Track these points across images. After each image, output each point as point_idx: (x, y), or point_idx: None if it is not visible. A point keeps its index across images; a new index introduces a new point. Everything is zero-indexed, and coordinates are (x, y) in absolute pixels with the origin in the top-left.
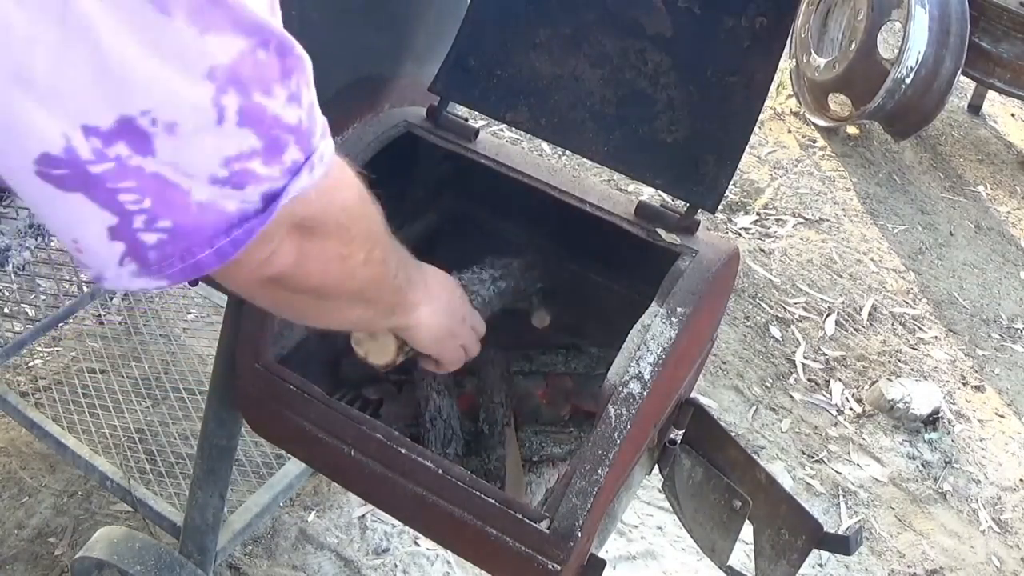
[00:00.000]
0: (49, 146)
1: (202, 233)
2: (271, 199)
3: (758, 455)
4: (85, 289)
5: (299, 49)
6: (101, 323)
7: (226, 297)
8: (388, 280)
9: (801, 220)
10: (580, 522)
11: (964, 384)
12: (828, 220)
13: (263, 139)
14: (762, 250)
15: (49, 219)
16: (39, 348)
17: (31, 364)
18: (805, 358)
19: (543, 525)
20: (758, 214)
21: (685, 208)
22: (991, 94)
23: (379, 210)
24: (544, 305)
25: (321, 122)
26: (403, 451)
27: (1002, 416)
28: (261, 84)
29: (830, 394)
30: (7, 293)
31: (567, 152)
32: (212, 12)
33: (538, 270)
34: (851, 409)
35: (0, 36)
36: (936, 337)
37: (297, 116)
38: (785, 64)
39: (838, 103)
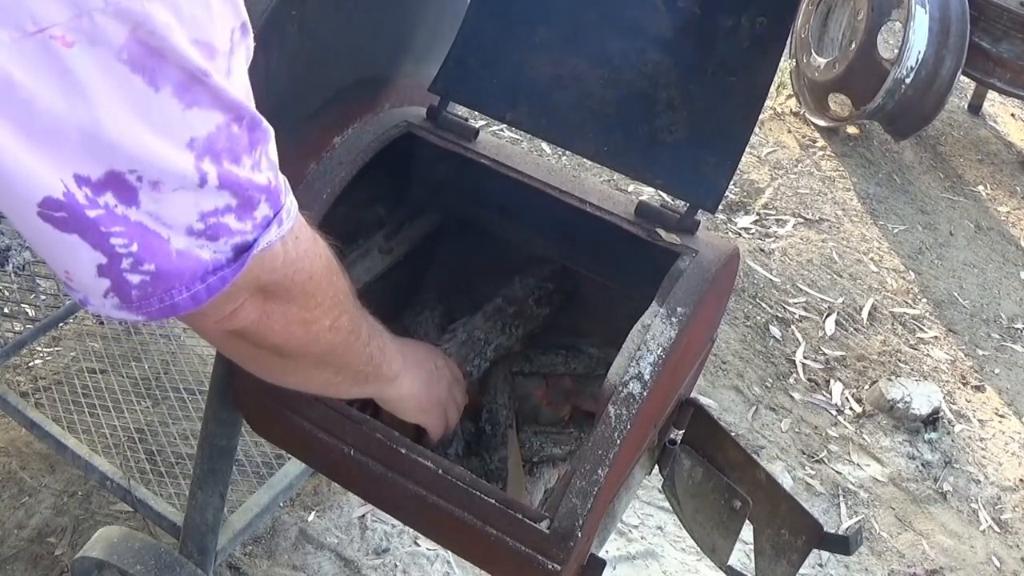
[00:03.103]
0: (51, 191)
1: (181, 278)
2: (242, 250)
3: (758, 455)
4: None
5: (265, 124)
6: (101, 323)
7: None
8: (358, 348)
9: (801, 220)
10: (580, 522)
11: (964, 384)
12: (828, 220)
13: (238, 198)
14: (762, 250)
15: (44, 253)
16: (39, 348)
17: (31, 364)
18: (805, 358)
19: (543, 525)
20: (758, 214)
21: (685, 208)
22: (991, 94)
23: (348, 280)
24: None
25: (284, 180)
26: (403, 451)
27: (1002, 416)
28: (231, 154)
29: (830, 394)
30: (7, 293)
31: (567, 152)
32: (196, 90)
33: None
34: (851, 409)
35: (2, 92)
36: (936, 337)
37: (266, 177)
38: (785, 64)
39: (838, 103)
